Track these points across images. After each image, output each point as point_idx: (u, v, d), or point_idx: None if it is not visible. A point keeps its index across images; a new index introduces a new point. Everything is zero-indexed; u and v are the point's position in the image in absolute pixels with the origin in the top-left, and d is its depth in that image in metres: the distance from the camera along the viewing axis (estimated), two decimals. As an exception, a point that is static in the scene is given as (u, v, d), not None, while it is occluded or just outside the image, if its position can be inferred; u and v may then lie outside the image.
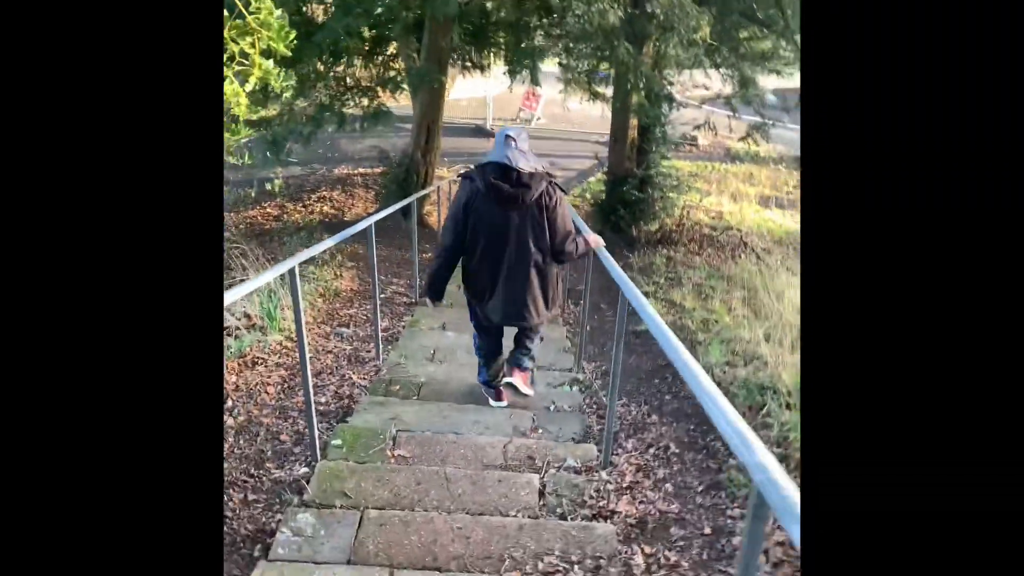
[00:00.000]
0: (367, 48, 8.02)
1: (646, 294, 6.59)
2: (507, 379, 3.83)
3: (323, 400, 3.84)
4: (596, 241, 3.58)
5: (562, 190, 3.42)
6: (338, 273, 6.72)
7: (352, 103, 7.38)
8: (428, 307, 4.14)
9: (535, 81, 7.66)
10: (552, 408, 3.85)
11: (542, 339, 3.92)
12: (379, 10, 6.33)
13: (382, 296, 6.23)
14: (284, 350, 4.53)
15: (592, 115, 17.50)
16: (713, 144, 17.31)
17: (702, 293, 7.04)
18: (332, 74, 6.72)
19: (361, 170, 13.57)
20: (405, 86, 8.21)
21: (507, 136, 3.30)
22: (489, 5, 10.03)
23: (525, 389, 3.84)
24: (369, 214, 10.74)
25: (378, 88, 7.61)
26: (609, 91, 12.02)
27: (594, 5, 5.42)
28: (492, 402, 3.84)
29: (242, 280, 6.01)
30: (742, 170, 15.14)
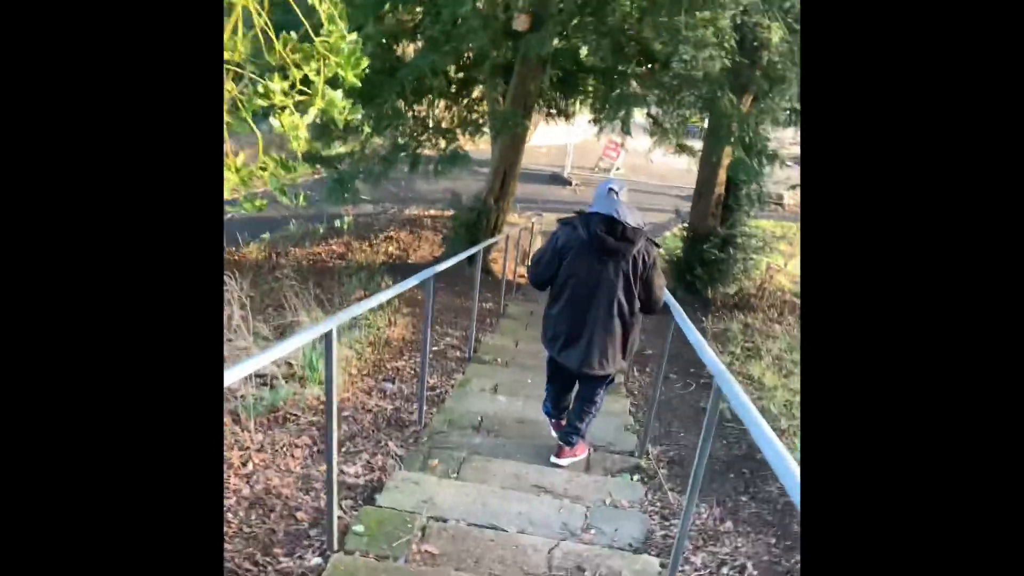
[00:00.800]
0: (452, 89, 7.81)
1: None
2: (553, 460, 3.75)
3: (352, 471, 3.43)
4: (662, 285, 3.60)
5: (658, 247, 3.46)
6: (392, 320, 6.39)
7: (429, 144, 7.10)
8: (480, 365, 4.26)
9: (627, 130, 7.28)
10: (608, 502, 3.32)
11: (603, 397, 3.79)
12: (468, 49, 6.03)
13: (434, 349, 5.85)
14: (321, 406, 4.16)
15: (674, 167, 17.03)
16: (798, 204, 16.54)
17: (783, 368, 6.40)
18: (412, 113, 6.46)
19: (432, 211, 13.43)
20: (486, 129, 7.93)
21: (610, 189, 3.33)
22: (584, 51, 9.75)
23: (577, 459, 3.80)
24: (435, 258, 10.52)
25: (457, 130, 7.34)
26: (697, 144, 11.59)
27: (703, 51, 4.99)
28: (554, 432, 3.88)
29: (292, 321, 5.74)
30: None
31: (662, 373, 3.90)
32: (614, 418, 4.52)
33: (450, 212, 10.37)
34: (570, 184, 16.75)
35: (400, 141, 5.78)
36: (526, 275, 4.03)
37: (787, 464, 1.48)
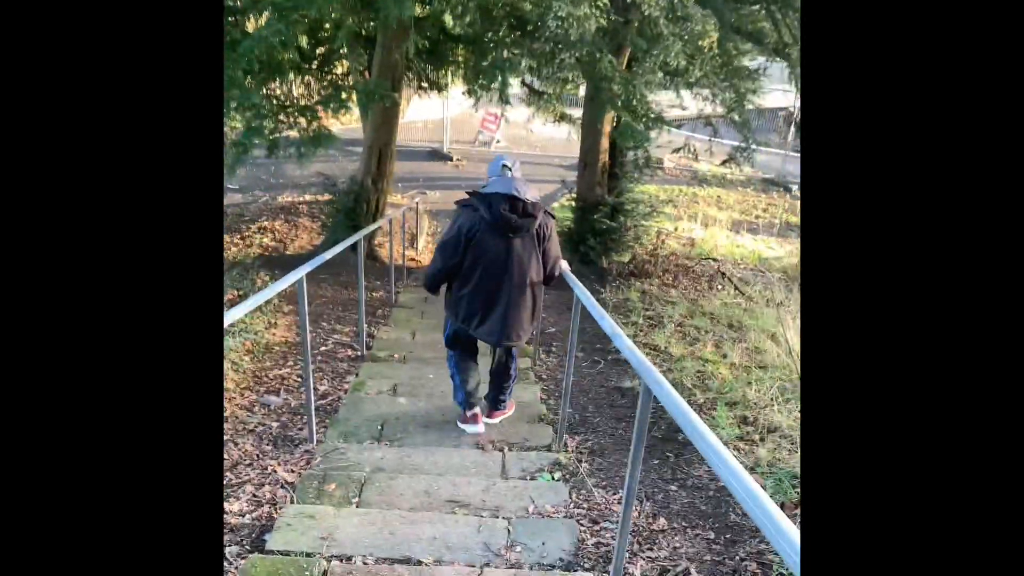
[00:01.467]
0: (310, 64, 7.15)
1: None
2: (487, 420, 3.93)
3: (236, 508, 2.94)
4: (565, 266, 3.86)
5: (554, 217, 3.63)
6: (272, 321, 5.81)
7: (289, 125, 6.37)
8: (375, 364, 4.20)
9: (505, 100, 6.89)
10: (531, 510, 3.00)
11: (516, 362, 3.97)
12: (320, 17, 5.38)
13: (322, 349, 5.34)
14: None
15: (554, 137, 16.89)
16: (678, 167, 16.80)
17: (687, 335, 6.31)
18: (265, 92, 5.76)
19: (307, 197, 12.63)
20: (351, 104, 7.31)
21: (504, 165, 3.51)
22: (448, 18, 9.27)
23: (508, 414, 4.03)
24: (315, 247, 9.84)
25: (319, 108, 6.67)
26: (576, 112, 11.40)
27: (578, 8, 4.66)
28: (467, 428, 3.85)
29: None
30: (710, 194, 14.62)
31: (572, 356, 3.60)
32: (525, 408, 4.21)
33: (327, 197, 9.70)
34: (451, 159, 16.26)
35: (252, 124, 5.12)
36: (421, 277, 4.06)
37: (709, 442, 1.49)
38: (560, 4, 4.59)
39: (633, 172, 8.96)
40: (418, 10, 9.73)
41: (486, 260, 3.43)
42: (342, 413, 4.07)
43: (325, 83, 7.36)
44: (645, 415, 2.04)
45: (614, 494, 3.19)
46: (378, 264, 8.90)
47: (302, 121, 6.02)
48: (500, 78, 5.33)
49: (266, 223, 10.89)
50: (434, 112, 18.57)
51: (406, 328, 6.11)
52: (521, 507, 3.01)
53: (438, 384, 4.57)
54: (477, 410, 3.86)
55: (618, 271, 8.65)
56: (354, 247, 7.67)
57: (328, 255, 4.23)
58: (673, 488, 3.28)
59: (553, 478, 3.33)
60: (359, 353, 5.29)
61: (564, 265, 3.83)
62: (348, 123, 17.70)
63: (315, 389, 4.46)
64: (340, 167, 12.23)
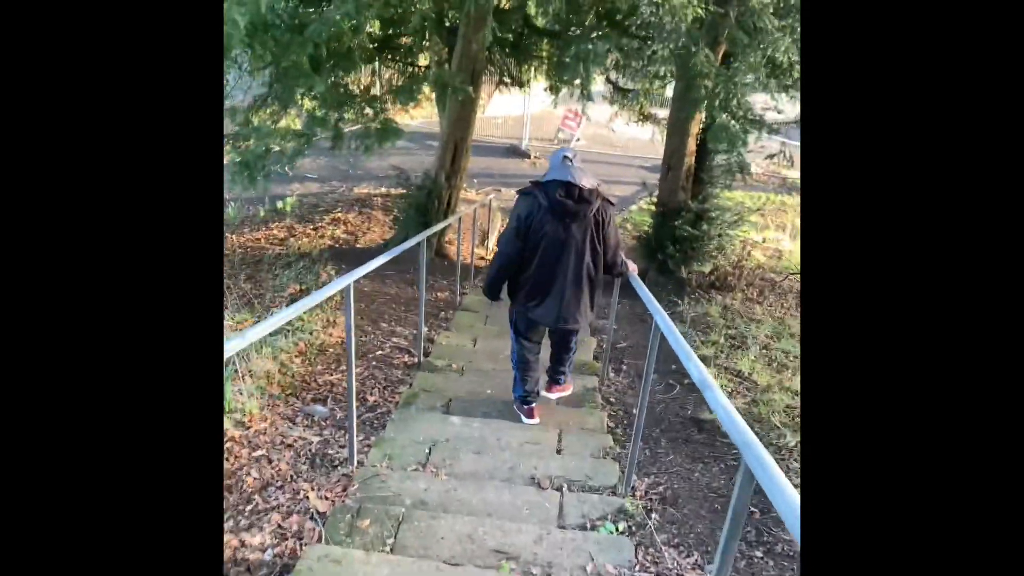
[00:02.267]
0: (383, 53, 6.88)
1: (703, 359, 5.32)
2: (546, 394, 4.19)
3: (257, 541, 2.64)
4: (632, 267, 3.95)
5: (613, 205, 3.67)
6: (331, 319, 5.56)
7: (356, 116, 6.07)
8: (431, 374, 4.24)
9: (587, 95, 6.47)
10: (590, 570, 2.59)
11: (576, 345, 4.16)
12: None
13: (379, 353, 5.04)
14: (234, 444, 3.35)
15: (637, 137, 16.29)
16: (767, 173, 15.94)
17: (773, 360, 5.74)
18: (332, 79, 5.48)
19: (383, 189, 12.48)
20: (423, 97, 6.99)
21: (564, 156, 3.56)
22: (532, 7, 8.89)
23: (565, 394, 4.31)
24: (385, 241, 9.64)
25: (387, 99, 6.37)
26: (661, 113, 10.84)
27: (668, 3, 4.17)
28: (525, 419, 3.99)
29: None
30: (797, 202, 13.75)
31: (647, 386, 3.14)
32: (589, 438, 3.79)
33: (402, 191, 9.46)
34: (528, 156, 15.89)
35: (317, 113, 4.83)
36: (486, 271, 4.09)
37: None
38: (650, -1, 4.14)
39: (721, 178, 8.36)
40: (502, 0, 9.42)
41: (544, 244, 3.52)
42: (389, 431, 3.75)
43: (400, 74, 7.06)
44: (743, 502, 1.60)
45: (687, 556, 2.74)
46: (446, 262, 8.61)
47: (369, 112, 5.72)
48: (584, 71, 4.88)
49: (340, 214, 10.76)
50: (514, 108, 18.24)
51: (468, 334, 5.77)
52: (578, 565, 2.60)
53: (495, 402, 4.20)
54: (535, 405, 4.03)
55: (698, 282, 8.09)
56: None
57: (382, 259, 3.90)
58: (758, 554, 2.80)
59: (617, 530, 2.90)
60: (416, 360, 4.97)
61: (631, 266, 3.92)
62: (428, 116, 17.60)
63: (364, 400, 4.17)
64: (418, 161, 12.00)
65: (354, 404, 3.33)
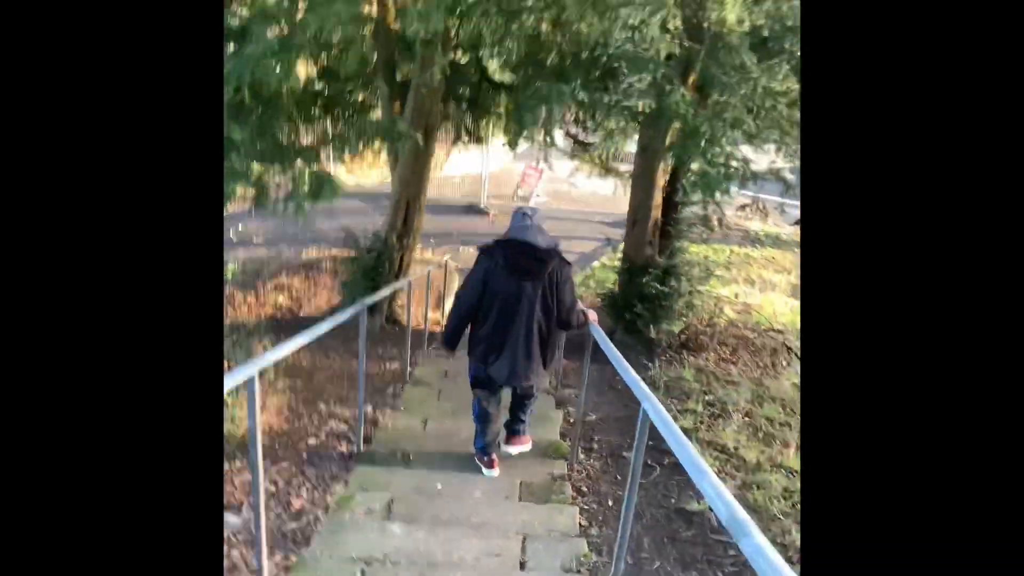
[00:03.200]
0: (319, 104, 6.36)
1: (684, 432, 4.74)
2: (505, 448, 4.23)
3: None
4: (592, 316, 3.90)
5: (569, 265, 3.71)
6: (261, 403, 4.84)
7: (281, 170, 5.43)
8: (371, 468, 3.97)
9: (550, 141, 6.01)
10: None
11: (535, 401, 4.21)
12: (336, 36, 4.45)
13: (311, 442, 4.36)
14: None
15: (598, 192, 16.01)
16: (727, 226, 15.73)
17: (758, 428, 5.19)
18: (257, 130, 4.90)
19: (334, 251, 11.85)
20: (372, 151, 6.45)
21: (524, 214, 3.68)
22: (490, 61, 8.51)
23: (524, 448, 4.30)
24: (332, 308, 8.99)
25: (319, 150, 5.77)
26: (624, 166, 10.50)
27: (655, 16, 3.74)
28: (485, 471, 4.01)
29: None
30: (764, 255, 13.46)
31: (634, 486, 2.52)
32: (559, 545, 3.15)
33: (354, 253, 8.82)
34: (487, 214, 15.47)
35: (235, 167, 4.26)
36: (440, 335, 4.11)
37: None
38: (632, 10, 3.68)
39: (691, 231, 7.95)
40: (457, 54, 9.06)
41: (500, 302, 3.60)
42: (314, 548, 3.06)
43: (344, 124, 6.54)
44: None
45: None
46: (398, 328, 7.97)
47: (300, 165, 5.15)
48: (546, 112, 4.38)
49: (284, 280, 10.10)
50: (473, 167, 17.92)
51: (418, 413, 5.10)
52: None
53: (447, 501, 3.54)
54: (495, 457, 4.06)
55: (668, 342, 7.56)
56: (372, 309, 6.79)
57: (303, 338, 3.26)
58: None
59: None
60: (354, 449, 4.29)
61: (591, 315, 3.88)
62: (384, 177, 17.11)
63: (288, 506, 3.48)
64: (373, 222, 11.43)
65: (263, 519, 2.66)
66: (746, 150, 8.09)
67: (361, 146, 6.12)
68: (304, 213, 5.30)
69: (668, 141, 7.19)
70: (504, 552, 3.06)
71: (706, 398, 5.87)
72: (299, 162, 5.25)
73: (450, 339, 3.87)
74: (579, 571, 2.95)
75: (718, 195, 6.00)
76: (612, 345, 3.36)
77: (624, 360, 2.98)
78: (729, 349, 7.71)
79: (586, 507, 3.71)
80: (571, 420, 5.23)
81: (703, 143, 4.51)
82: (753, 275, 11.96)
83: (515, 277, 3.55)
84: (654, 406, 2.25)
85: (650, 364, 6.91)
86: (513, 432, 4.22)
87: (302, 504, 3.52)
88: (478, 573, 2.87)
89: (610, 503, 3.79)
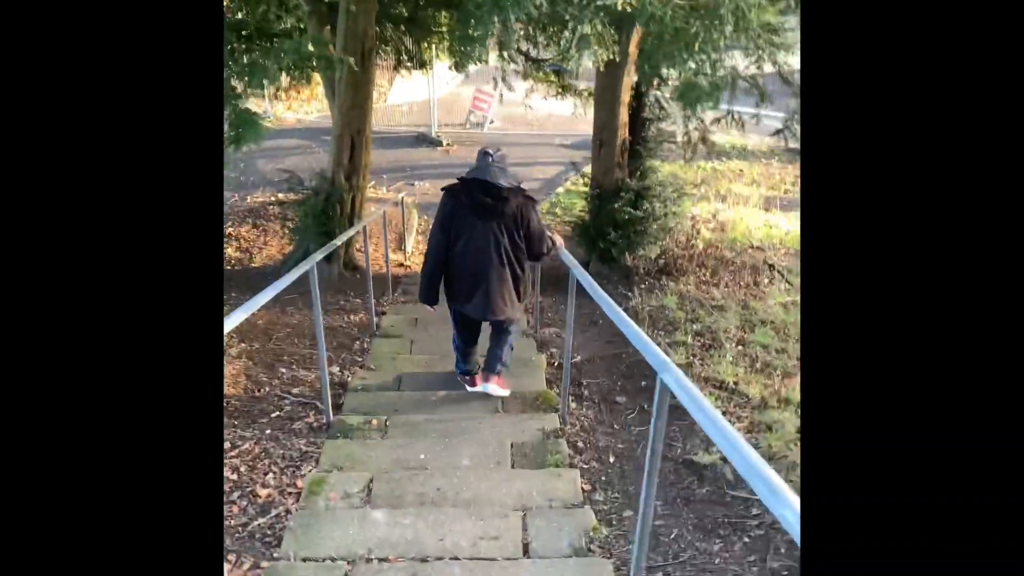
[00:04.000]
0: (240, 33, 5.61)
1: (679, 367, 4.40)
2: (482, 387, 4.16)
3: None
4: (559, 241, 4.11)
5: (534, 201, 3.80)
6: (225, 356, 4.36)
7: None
8: (344, 441, 3.56)
9: (509, 58, 5.42)
10: None
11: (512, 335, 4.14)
12: None
13: (274, 415, 3.91)
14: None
15: (557, 114, 15.35)
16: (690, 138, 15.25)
17: (754, 359, 4.89)
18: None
19: (280, 195, 11.13)
20: (291, 75, 5.73)
21: (486, 154, 3.69)
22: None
23: (500, 392, 4.16)
24: (284, 256, 8.40)
25: (237, 83, 5.05)
26: (582, 84, 9.90)
27: None
28: (469, 388, 4.21)
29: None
30: (731, 168, 13.08)
31: (652, 471, 2.14)
32: (564, 520, 2.79)
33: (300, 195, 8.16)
34: (441, 144, 14.71)
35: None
36: (420, 276, 4.02)
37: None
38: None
39: (658, 150, 7.50)
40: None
41: (469, 242, 3.66)
42: (286, 549, 2.65)
43: (250, 49, 5.80)
44: None
45: None
46: (359, 275, 7.45)
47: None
48: (499, 22, 3.79)
49: (231, 229, 9.42)
50: (420, 93, 17.02)
51: (389, 369, 4.67)
52: None
53: (432, 476, 3.16)
54: (478, 376, 4.21)
55: (646, 269, 7.20)
56: (328, 257, 6.26)
57: (256, 301, 2.79)
58: None
59: None
60: (324, 420, 3.86)
61: (558, 240, 4.06)
62: (325, 110, 16.11)
63: (253, 496, 3.06)
64: (319, 160, 10.70)
65: (222, 520, 2.23)
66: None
67: (285, 77, 5.46)
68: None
69: (634, 50, 6.67)
70: (503, 534, 2.69)
71: (694, 327, 5.55)
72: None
73: (427, 293, 3.87)
74: (589, 551, 2.60)
75: (703, 109, 5.50)
76: (596, 285, 3.03)
77: (614, 304, 2.59)
78: (708, 271, 7.38)
79: (586, 466, 3.37)
80: (556, 363, 4.87)
81: (695, 48, 3.98)
82: (722, 189, 11.61)
83: (481, 217, 3.62)
84: (676, 378, 1.84)
85: (629, 293, 6.56)
86: (491, 369, 4.16)
87: (269, 493, 3.09)
88: (478, 565, 2.50)
89: (611, 459, 3.46)
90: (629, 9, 3.75)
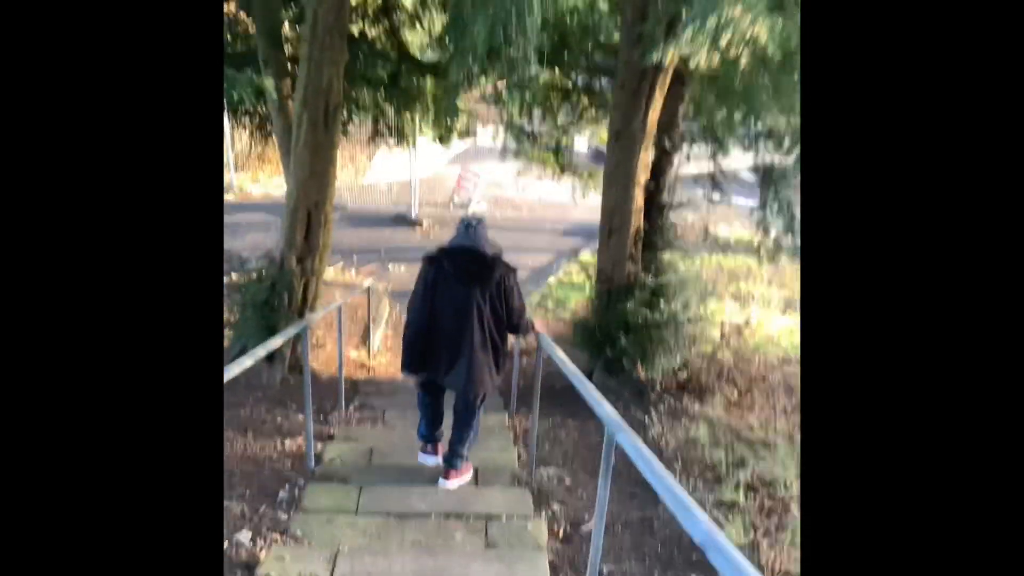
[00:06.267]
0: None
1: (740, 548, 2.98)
2: (443, 484, 3.84)
3: None
4: (539, 324, 4.02)
5: (514, 270, 3.72)
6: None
7: None
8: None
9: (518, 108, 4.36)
10: None
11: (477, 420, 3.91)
12: None
13: None
14: None
15: (546, 199, 14.30)
16: (683, 230, 14.21)
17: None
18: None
19: (234, 276, 9.73)
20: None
21: (468, 224, 3.66)
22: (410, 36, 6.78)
23: (463, 481, 3.92)
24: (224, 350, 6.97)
25: None
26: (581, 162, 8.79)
27: None
28: (421, 457, 4.05)
29: None
30: (738, 265, 11.92)
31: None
32: None
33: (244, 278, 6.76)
34: (420, 225, 13.52)
35: None
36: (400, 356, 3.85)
37: None
38: None
39: (676, 241, 6.29)
40: (364, 24, 7.22)
41: (449, 310, 3.59)
42: None
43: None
44: None
45: None
46: (312, 381, 5.99)
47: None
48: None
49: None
50: (403, 174, 15.96)
51: (322, 548, 3.19)
52: None
53: None
54: (440, 446, 4.04)
55: (664, 385, 5.84)
56: (270, 357, 4.94)
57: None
58: None
59: None
60: (257, 546, 2.37)
61: (538, 323, 4.02)
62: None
63: None
64: (273, 239, 9.38)
65: None
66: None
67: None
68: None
69: (653, 118, 5.54)
70: None
71: (741, 475, 4.15)
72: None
73: (408, 362, 3.75)
74: None
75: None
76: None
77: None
78: (737, 389, 6.04)
79: None
80: (561, 532, 3.44)
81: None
82: (739, 289, 10.41)
83: (463, 284, 3.56)
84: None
85: (647, 418, 5.18)
86: (452, 465, 3.87)
87: None
88: None
89: None
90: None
